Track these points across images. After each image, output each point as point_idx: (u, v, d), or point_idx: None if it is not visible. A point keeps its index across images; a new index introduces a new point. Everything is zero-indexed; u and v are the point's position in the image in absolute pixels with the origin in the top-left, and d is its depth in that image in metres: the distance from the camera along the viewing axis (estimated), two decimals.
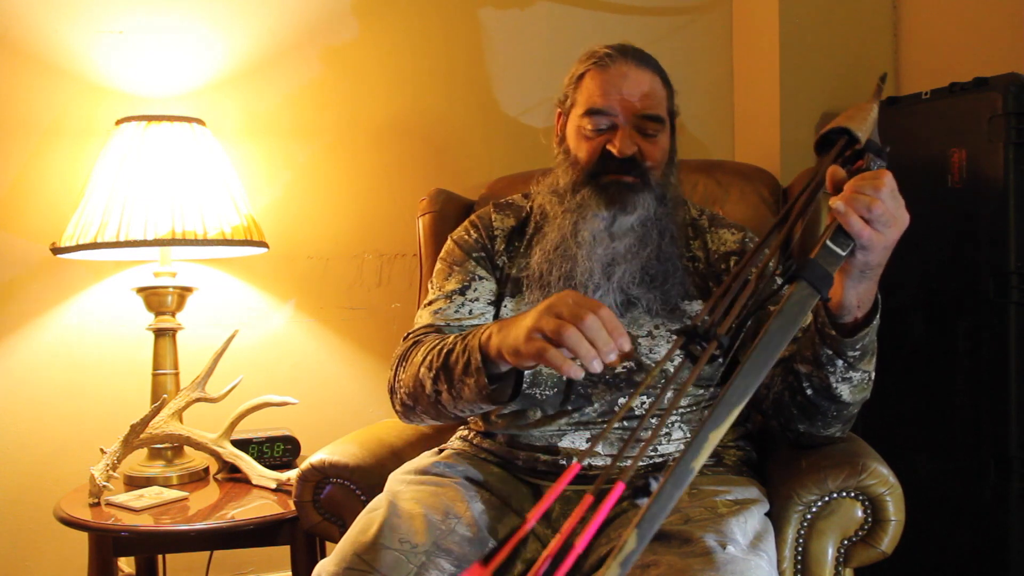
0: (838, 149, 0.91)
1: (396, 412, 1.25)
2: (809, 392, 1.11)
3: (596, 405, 1.19)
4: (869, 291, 1.00)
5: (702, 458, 0.69)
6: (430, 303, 1.31)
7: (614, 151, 1.21)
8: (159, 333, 1.71)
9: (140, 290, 1.71)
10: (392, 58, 2.01)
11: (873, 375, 1.10)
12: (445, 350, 1.11)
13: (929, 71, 1.98)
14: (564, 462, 1.18)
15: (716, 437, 0.70)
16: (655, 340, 1.21)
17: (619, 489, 0.68)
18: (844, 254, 0.85)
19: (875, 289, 1.01)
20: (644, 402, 1.19)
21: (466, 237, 1.35)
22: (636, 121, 1.23)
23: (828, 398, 1.10)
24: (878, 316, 1.03)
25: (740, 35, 2.16)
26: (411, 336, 1.26)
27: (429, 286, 1.35)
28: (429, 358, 1.14)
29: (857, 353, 1.04)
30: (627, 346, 0.91)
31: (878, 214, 0.88)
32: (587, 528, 0.66)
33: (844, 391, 1.08)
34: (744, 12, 2.13)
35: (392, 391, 1.23)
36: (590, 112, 1.24)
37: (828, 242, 0.84)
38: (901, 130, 1.75)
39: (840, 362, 1.05)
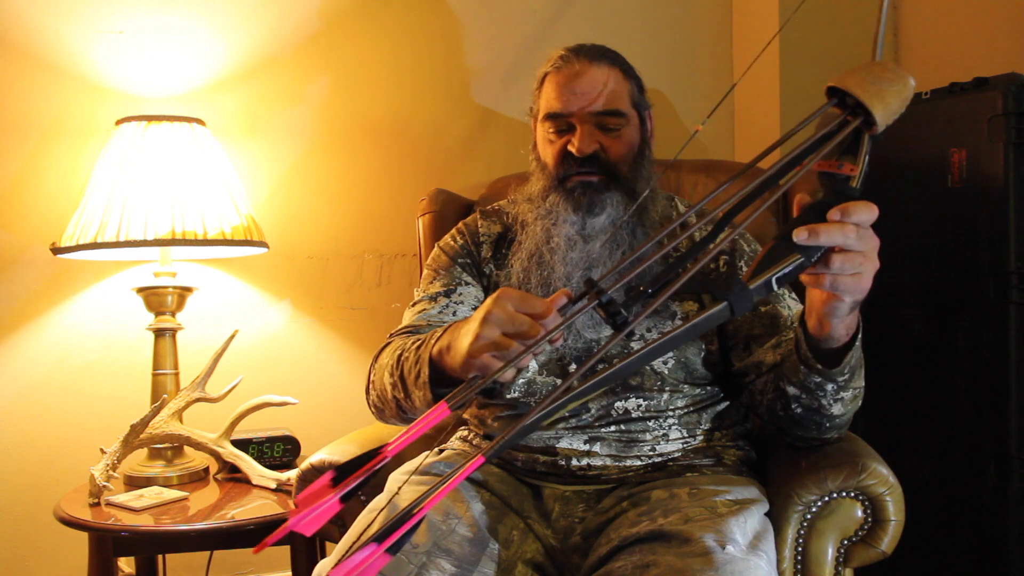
0: (844, 136, 0.76)
1: (372, 413, 1.25)
2: (799, 411, 1.11)
3: (593, 410, 1.19)
4: (854, 318, 0.98)
5: (549, 418, 0.66)
6: (414, 304, 1.31)
7: (574, 151, 1.21)
8: (159, 333, 1.71)
9: (140, 290, 1.71)
10: (392, 58, 2.01)
11: (863, 383, 1.09)
12: (402, 357, 1.10)
13: (929, 71, 1.98)
14: (563, 463, 1.18)
15: (571, 405, 0.67)
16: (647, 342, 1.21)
17: (479, 461, 0.64)
18: (779, 291, 0.79)
19: (858, 313, 0.98)
20: (641, 405, 1.19)
21: (452, 243, 1.36)
22: (595, 118, 1.22)
23: (819, 415, 1.10)
24: (860, 332, 1.01)
25: (740, 34, 2.16)
26: (391, 336, 1.26)
27: (415, 292, 1.36)
28: (391, 363, 1.13)
29: (847, 376, 1.04)
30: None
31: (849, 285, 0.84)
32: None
33: (836, 408, 1.08)
34: (744, 11, 2.13)
35: (367, 392, 1.23)
36: (549, 116, 1.25)
37: (774, 280, 0.75)
38: (901, 130, 1.74)
39: (831, 386, 1.05)
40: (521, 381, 1.23)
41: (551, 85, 1.25)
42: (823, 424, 1.12)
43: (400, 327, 1.28)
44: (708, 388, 1.24)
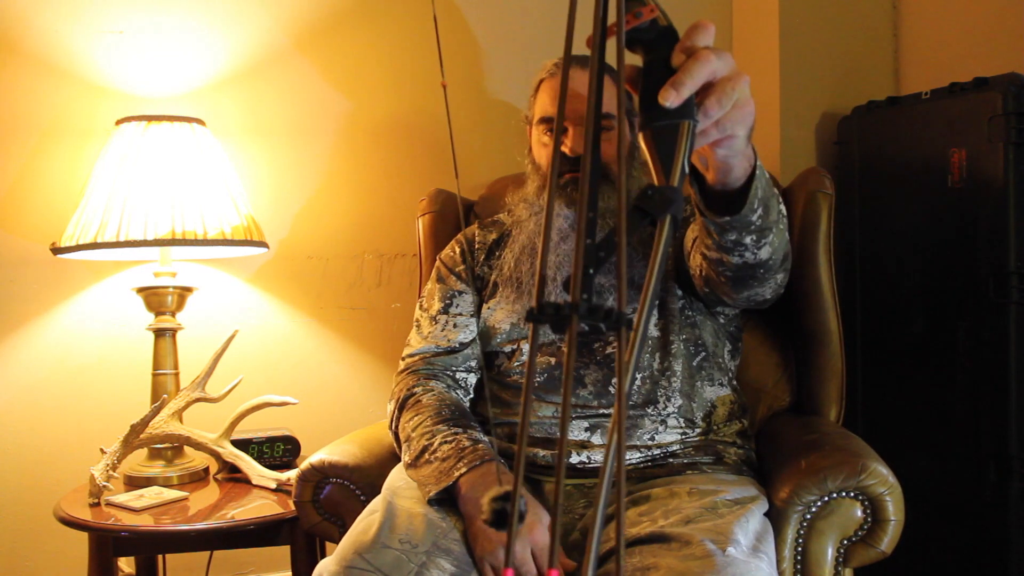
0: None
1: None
2: (729, 274, 1.05)
3: (590, 387, 1.21)
4: (750, 147, 0.82)
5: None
6: (419, 325, 1.42)
7: (567, 151, 1.27)
8: (159, 333, 1.71)
9: (140, 290, 1.71)
10: (392, 58, 2.01)
11: (784, 212, 0.99)
12: (424, 448, 1.20)
13: (929, 71, 1.98)
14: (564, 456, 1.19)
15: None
16: None
17: None
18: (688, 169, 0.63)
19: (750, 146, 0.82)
20: (637, 378, 1.20)
21: (450, 254, 1.47)
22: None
23: (753, 266, 1.02)
24: (757, 158, 0.85)
25: (740, 35, 2.15)
26: (406, 372, 1.36)
27: (419, 305, 1.45)
28: (412, 437, 1.23)
29: (759, 211, 0.89)
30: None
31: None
32: None
33: (764, 253, 0.99)
34: (744, 12, 2.13)
35: (392, 432, 1.34)
36: (543, 119, 1.34)
37: (685, 164, 0.61)
38: (901, 130, 1.75)
39: (749, 238, 0.95)
40: (518, 364, 1.30)
41: (546, 91, 1.34)
42: (757, 272, 1.04)
43: (412, 354, 1.39)
44: (686, 305, 1.27)
